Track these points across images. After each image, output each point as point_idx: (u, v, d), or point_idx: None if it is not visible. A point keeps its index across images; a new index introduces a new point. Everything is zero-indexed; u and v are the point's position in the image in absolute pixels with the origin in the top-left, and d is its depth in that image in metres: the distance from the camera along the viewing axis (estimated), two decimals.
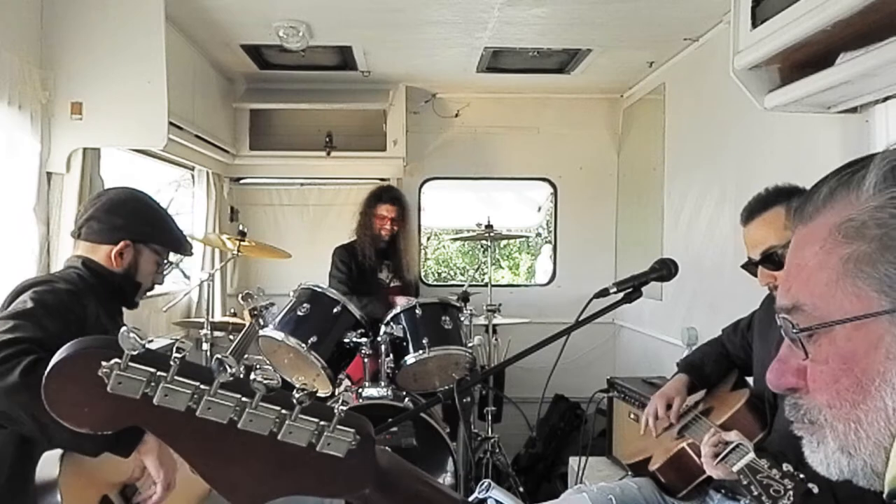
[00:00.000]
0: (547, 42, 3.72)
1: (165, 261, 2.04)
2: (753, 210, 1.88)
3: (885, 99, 2.21)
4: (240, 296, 2.52)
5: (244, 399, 0.56)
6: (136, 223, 1.94)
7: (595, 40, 3.68)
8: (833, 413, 0.65)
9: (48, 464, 1.58)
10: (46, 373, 0.53)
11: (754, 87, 2.39)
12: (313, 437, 0.59)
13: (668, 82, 3.99)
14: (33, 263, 2.70)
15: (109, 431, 0.55)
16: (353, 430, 0.60)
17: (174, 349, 0.54)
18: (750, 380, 2.21)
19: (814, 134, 2.55)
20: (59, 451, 1.61)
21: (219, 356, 0.54)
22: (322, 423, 0.59)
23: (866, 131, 2.31)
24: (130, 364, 0.53)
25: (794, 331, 0.67)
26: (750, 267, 1.89)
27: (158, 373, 0.54)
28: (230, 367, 0.54)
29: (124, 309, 2.03)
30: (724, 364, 2.28)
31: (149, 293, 2.10)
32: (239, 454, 0.58)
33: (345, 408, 0.60)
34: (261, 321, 2.44)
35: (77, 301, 1.77)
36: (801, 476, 1.49)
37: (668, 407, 2.19)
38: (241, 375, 0.57)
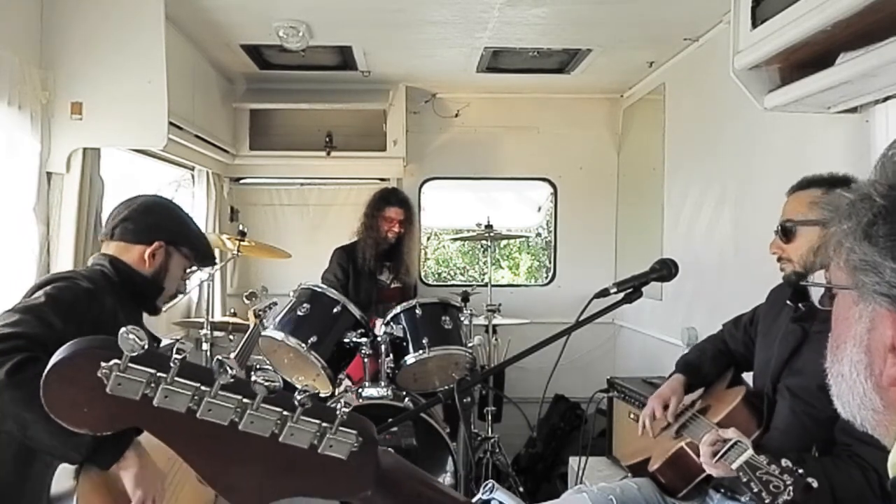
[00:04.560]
0: (547, 42, 3.72)
1: (190, 269, 2.04)
2: (797, 185, 1.94)
3: (885, 99, 2.21)
4: (244, 295, 2.50)
5: (245, 400, 0.56)
6: (171, 225, 1.97)
7: (595, 40, 3.68)
8: (827, 366, 0.74)
9: (65, 474, 1.58)
10: (45, 373, 0.53)
11: (754, 87, 2.39)
12: (315, 439, 0.59)
13: (668, 82, 3.99)
14: (33, 263, 2.70)
15: (109, 432, 0.54)
16: (355, 432, 0.60)
17: (174, 350, 0.53)
18: (747, 376, 2.21)
19: (814, 134, 2.55)
20: None
21: (219, 357, 0.54)
22: (324, 424, 0.59)
23: (866, 131, 2.31)
24: (130, 365, 0.53)
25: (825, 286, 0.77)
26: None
27: (158, 374, 0.54)
28: (231, 368, 0.54)
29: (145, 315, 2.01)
30: (722, 361, 2.27)
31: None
32: (240, 456, 0.57)
33: (347, 409, 0.60)
34: (265, 322, 2.43)
35: (94, 300, 1.75)
36: (801, 471, 1.50)
37: (665, 408, 2.19)
38: (244, 377, 0.56)
